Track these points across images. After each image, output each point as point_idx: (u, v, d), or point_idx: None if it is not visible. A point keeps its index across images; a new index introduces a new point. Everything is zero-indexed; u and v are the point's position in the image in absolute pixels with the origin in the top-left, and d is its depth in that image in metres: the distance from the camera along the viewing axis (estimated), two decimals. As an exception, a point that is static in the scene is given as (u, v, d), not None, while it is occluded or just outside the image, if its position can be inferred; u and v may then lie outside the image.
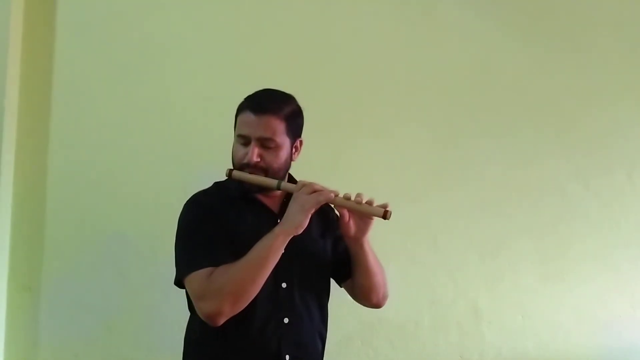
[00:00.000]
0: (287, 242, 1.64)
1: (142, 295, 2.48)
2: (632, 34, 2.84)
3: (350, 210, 1.70)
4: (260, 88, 1.79)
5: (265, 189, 1.72)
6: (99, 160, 2.53)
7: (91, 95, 2.55)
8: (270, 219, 1.73)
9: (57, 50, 2.53)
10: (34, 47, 2.51)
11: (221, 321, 1.60)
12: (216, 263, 1.62)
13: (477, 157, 2.71)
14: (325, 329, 1.82)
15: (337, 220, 1.78)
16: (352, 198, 1.67)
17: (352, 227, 1.72)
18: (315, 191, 1.65)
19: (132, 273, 2.49)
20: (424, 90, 2.71)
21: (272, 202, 1.77)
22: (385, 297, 1.86)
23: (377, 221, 1.73)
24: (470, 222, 2.69)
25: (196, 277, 1.62)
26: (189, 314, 1.78)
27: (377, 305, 1.86)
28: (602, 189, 2.76)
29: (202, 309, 1.62)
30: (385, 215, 1.65)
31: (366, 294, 1.83)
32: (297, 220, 1.63)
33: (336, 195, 1.67)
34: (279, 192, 1.75)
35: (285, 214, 1.66)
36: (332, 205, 1.77)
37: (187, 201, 1.77)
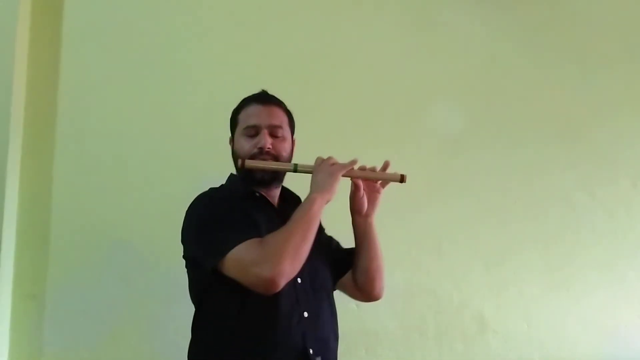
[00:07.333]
0: (323, 207, 1.65)
1: (147, 303, 2.47)
2: (637, 44, 2.84)
3: (368, 180, 1.77)
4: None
5: (277, 177, 1.75)
6: (104, 167, 2.53)
7: (97, 102, 2.55)
8: (274, 214, 1.74)
9: (63, 57, 2.54)
10: (40, 52, 2.52)
11: (282, 283, 1.55)
12: (259, 235, 1.61)
13: (483, 166, 2.71)
14: (337, 329, 1.81)
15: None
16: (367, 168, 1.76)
17: (364, 202, 1.77)
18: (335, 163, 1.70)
19: (137, 281, 2.48)
20: (429, 99, 2.72)
21: (272, 201, 1.80)
22: (383, 289, 1.85)
23: (379, 222, 1.79)
24: (475, 231, 2.68)
25: (245, 247, 1.57)
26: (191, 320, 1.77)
27: (377, 296, 1.85)
28: (607, 198, 2.76)
29: (260, 274, 1.54)
30: (402, 179, 1.76)
31: (370, 280, 1.81)
32: (328, 184, 1.66)
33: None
34: (277, 191, 1.79)
35: (313, 183, 1.68)
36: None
37: (199, 197, 1.75)
